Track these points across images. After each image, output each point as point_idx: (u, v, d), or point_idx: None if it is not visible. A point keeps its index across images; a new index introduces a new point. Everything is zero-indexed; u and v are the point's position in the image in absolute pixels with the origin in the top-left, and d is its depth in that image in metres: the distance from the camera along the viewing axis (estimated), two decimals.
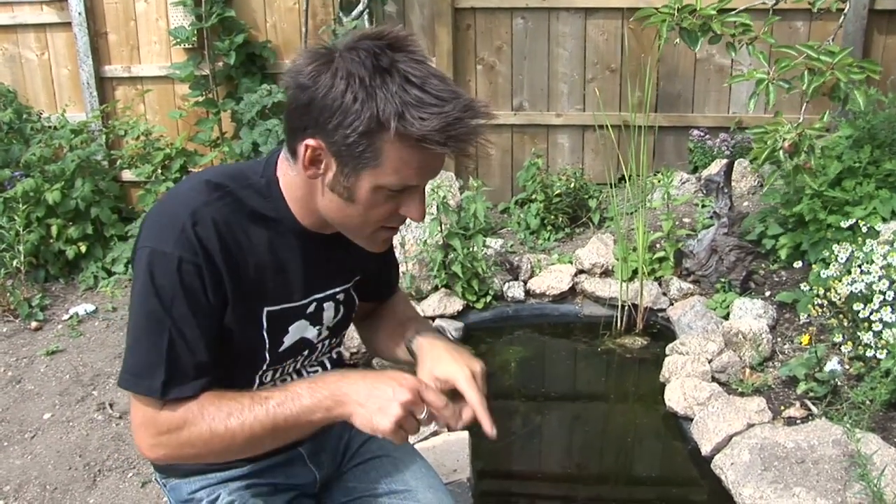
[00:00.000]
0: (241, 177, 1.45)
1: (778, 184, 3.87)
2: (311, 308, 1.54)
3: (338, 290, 1.58)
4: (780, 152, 2.91)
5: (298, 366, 1.60)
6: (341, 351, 1.77)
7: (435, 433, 2.82)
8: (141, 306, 1.35)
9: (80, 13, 5.19)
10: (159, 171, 4.97)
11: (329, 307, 1.57)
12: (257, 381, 1.53)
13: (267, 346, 1.48)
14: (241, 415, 1.34)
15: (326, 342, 1.63)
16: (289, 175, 1.41)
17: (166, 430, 1.36)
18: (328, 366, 1.69)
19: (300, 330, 1.53)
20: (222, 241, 1.37)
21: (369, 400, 1.32)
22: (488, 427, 1.37)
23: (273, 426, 1.35)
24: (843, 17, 3.40)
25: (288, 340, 1.52)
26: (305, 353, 1.58)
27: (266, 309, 1.46)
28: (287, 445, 1.62)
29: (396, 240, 3.82)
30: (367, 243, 1.45)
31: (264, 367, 1.51)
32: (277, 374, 1.56)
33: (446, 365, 1.45)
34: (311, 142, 1.30)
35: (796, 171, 2.97)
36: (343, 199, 1.35)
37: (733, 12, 3.09)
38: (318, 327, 1.57)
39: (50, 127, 5.12)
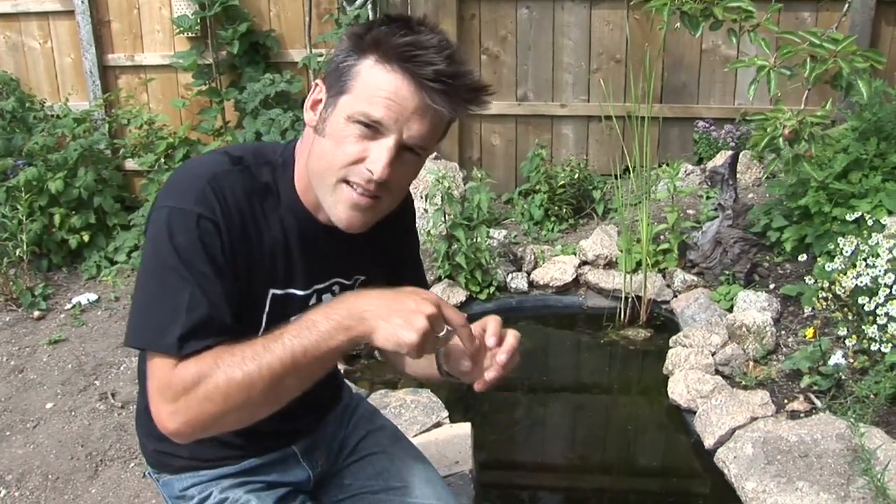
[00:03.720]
0: (259, 154, 1.46)
1: (777, 168, 3.84)
2: (313, 300, 1.52)
3: (336, 282, 1.56)
4: (780, 139, 2.89)
5: None
6: None
7: (437, 424, 2.81)
8: (158, 262, 1.32)
9: (83, 1, 5.17)
10: (162, 160, 4.96)
11: (327, 299, 1.54)
12: None
13: (261, 332, 1.42)
14: (257, 356, 1.25)
15: None
16: (302, 151, 1.44)
17: (182, 391, 1.26)
18: None
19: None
20: (239, 208, 1.37)
21: (392, 314, 1.23)
22: (504, 361, 1.34)
23: (293, 361, 1.25)
24: (847, 6, 3.38)
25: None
26: None
27: (272, 291, 1.45)
28: (280, 443, 1.61)
29: None
30: (333, 202, 1.38)
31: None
32: None
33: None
34: (318, 80, 1.40)
35: (796, 159, 2.95)
36: (319, 135, 1.36)
37: None
38: None
39: (53, 116, 5.11)
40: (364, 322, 1.24)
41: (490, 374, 1.36)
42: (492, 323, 1.37)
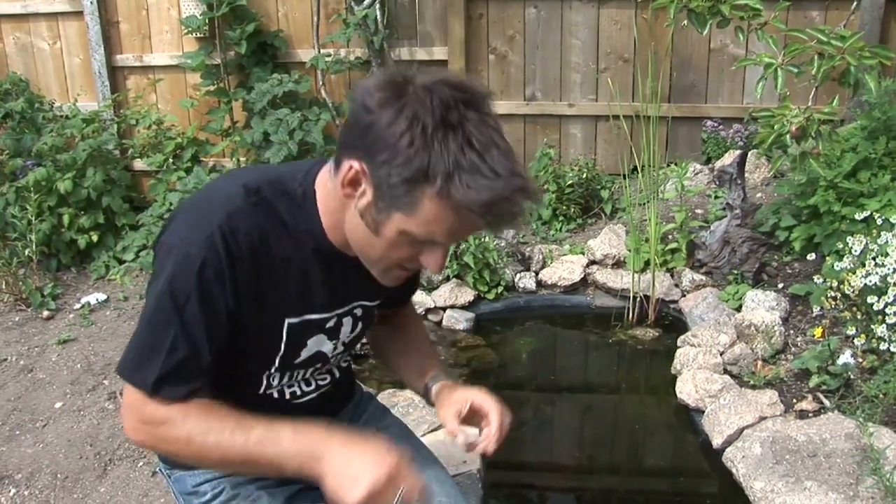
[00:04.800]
0: (278, 182, 1.42)
1: (784, 166, 3.83)
2: (332, 323, 1.53)
3: (359, 305, 1.57)
4: (787, 137, 2.88)
5: (308, 374, 1.60)
6: (350, 360, 1.77)
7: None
8: (154, 301, 1.34)
9: (91, 2, 5.20)
10: (171, 160, 4.99)
11: (347, 322, 1.56)
12: (264, 381, 1.52)
13: (281, 353, 1.48)
14: (219, 436, 1.33)
15: (340, 355, 1.63)
16: (327, 186, 1.39)
17: (149, 421, 1.37)
18: (337, 374, 1.69)
19: (317, 343, 1.53)
20: (252, 249, 1.35)
21: (345, 468, 1.29)
22: (492, 447, 1.52)
23: (245, 459, 1.34)
24: (855, 3, 3.36)
25: (305, 353, 1.52)
26: (318, 364, 1.59)
27: (287, 320, 1.45)
28: None
29: None
30: (380, 275, 1.43)
31: (272, 371, 1.51)
32: (285, 380, 1.56)
33: (464, 391, 1.59)
34: (355, 164, 1.27)
35: (803, 156, 2.94)
36: (369, 229, 1.32)
37: None
38: (334, 341, 1.57)
39: (62, 116, 5.13)
40: (319, 464, 1.31)
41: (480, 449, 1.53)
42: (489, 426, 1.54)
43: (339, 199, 1.34)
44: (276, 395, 1.56)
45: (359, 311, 1.57)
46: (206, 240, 1.31)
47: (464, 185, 1.20)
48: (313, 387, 1.62)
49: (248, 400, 1.46)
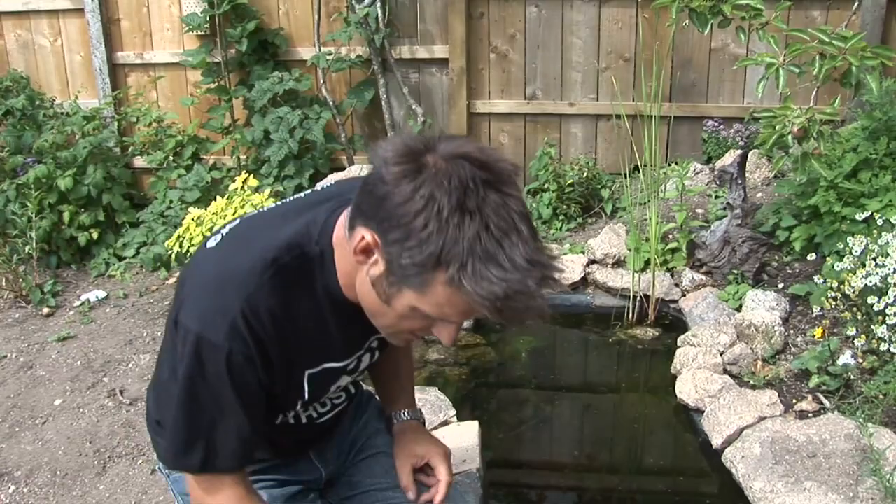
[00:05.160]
0: (295, 246, 1.35)
1: (785, 166, 3.83)
2: (352, 365, 1.53)
3: (375, 339, 1.54)
4: (789, 137, 2.88)
5: (325, 400, 1.61)
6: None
7: (445, 423, 2.81)
8: (187, 390, 1.33)
9: None
10: (171, 157, 4.99)
11: (366, 358, 1.56)
12: (282, 416, 1.54)
13: (305, 399, 1.49)
14: None
15: (358, 377, 1.64)
16: (343, 246, 1.33)
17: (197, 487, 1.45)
18: (352, 390, 1.71)
19: (338, 382, 1.55)
20: (276, 324, 1.32)
21: None
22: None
23: None
24: (857, 3, 3.36)
25: (327, 395, 1.56)
26: (339, 395, 1.62)
27: (308, 372, 1.45)
28: (295, 450, 1.65)
29: None
30: (389, 337, 1.42)
31: (295, 411, 1.54)
32: (305, 411, 1.57)
33: (425, 444, 1.75)
34: (367, 236, 1.21)
35: (805, 157, 2.94)
36: (380, 298, 1.27)
37: None
38: (353, 375, 1.58)
39: (62, 113, 5.13)
40: None
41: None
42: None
43: (353, 263, 1.29)
44: (292, 420, 1.56)
45: (375, 343, 1.55)
46: (230, 328, 1.29)
47: (477, 276, 1.13)
48: (329, 407, 1.63)
49: (267, 426, 1.48)
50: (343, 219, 1.34)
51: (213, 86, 5.13)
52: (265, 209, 1.49)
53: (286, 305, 1.33)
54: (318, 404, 1.59)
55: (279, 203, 1.50)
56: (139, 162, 5.29)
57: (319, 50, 5.01)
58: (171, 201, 4.76)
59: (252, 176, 3.93)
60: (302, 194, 1.51)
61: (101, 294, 4.46)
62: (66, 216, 4.72)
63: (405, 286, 1.20)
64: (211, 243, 1.42)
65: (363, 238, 1.21)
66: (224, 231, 1.43)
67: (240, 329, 1.29)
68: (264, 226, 1.41)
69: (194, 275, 1.40)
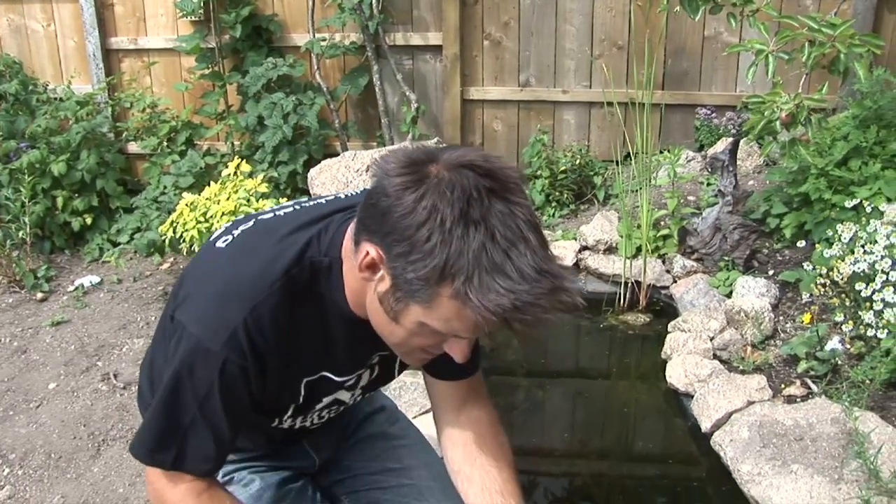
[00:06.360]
0: (306, 258, 1.31)
1: (773, 152, 3.84)
2: (351, 381, 1.50)
3: (378, 355, 1.49)
4: (777, 123, 2.89)
5: (322, 413, 1.56)
6: None
7: None
8: (172, 389, 1.30)
9: None
10: (165, 143, 4.99)
11: (366, 375, 1.52)
12: (276, 420, 1.50)
13: (298, 404, 1.45)
14: None
15: (358, 398, 1.59)
16: (350, 261, 1.28)
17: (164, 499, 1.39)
18: (349, 403, 1.64)
19: (336, 395, 1.51)
20: (278, 335, 1.29)
21: None
22: None
23: None
24: None
25: (321, 404, 1.50)
26: (334, 408, 1.55)
27: (305, 379, 1.42)
28: (288, 440, 1.64)
29: None
30: (402, 357, 1.38)
31: (287, 416, 1.49)
32: (299, 419, 1.52)
33: None
34: (372, 252, 1.17)
35: (792, 143, 2.96)
36: (388, 315, 1.22)
37: None
38: (352, 392, 1.53)
39: (56, 98, 5.12)
40: None
41: None
42: None
43: (360, 279, 1.25)
44: (286, 426, 1.53)
45: (376, 359, 1.50)
46: (230, 339, 1.25)
47: (484, 288, 1.09)
48: (325, 419, 1.60)
49: (258, 428, 1.49)
50: (350, 230, 1.29)
51: (206, 71, 5.12)
52: (282, 213, 1.41)
53: (291, 316, 1.30)
54: (316, 416, 1.55)
55: (297, 207, 1.43)
56: (133, 147, 5.28)
57: (313, 36, 5.01)
58: (165, 187, 4.76)
59: (246, 161, 3.94)
60: (322, 199, 1.44)
61: (95, 279, 4.47)
62: (59, 201, 4.72)
63: (412, 301, 1.17)
64: (220, 243, 1.37)
65: (367, 254, 1.18)
66: (235, 232, 1.38)
67: (240, 340, 1.25)
68: (278, 232, 1.35)
69: (199, 274, 1.37)
